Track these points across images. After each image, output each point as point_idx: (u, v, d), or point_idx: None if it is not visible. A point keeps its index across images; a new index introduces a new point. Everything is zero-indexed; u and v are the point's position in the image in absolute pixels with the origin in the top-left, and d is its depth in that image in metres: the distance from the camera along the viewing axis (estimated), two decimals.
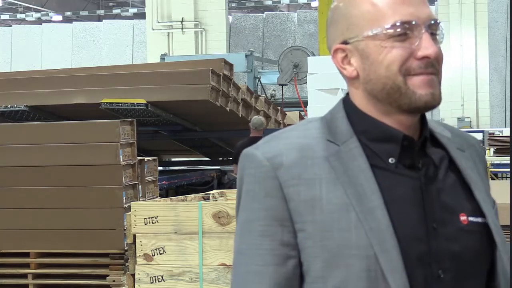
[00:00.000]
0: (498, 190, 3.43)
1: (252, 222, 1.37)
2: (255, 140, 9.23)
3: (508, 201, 2.91)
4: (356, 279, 1.31)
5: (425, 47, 1.34)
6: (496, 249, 1.38)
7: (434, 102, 1.36)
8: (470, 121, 21.24)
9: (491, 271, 1.40)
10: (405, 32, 1.35)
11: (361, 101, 1.41)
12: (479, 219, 1.39)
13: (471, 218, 1.38)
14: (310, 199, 1.34)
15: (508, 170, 11.23)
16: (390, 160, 1.37)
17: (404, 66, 1.35)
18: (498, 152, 10.54)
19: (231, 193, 5.65)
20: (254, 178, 1.38)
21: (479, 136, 14.31)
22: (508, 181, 9.38)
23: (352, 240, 1.31)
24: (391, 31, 1.35)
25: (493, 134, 14.52)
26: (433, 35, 1.37)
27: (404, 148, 1.38)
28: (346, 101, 1.44)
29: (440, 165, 1.40)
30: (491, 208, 1.42)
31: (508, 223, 2.98)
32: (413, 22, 1.35)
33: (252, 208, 1.38)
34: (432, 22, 1.37)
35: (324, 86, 9.47)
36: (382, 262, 1.30)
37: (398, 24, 1.35)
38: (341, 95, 9.65)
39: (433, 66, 1.35)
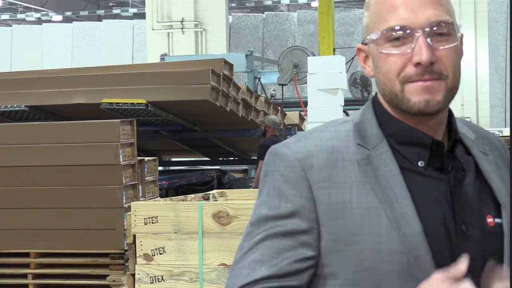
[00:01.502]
0: None
1: (275, 219, 1.35)
2: (276, 138, 9.26)
3: None
4: (388, 284, 1.31)
5: (418, 53, 1.33)
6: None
7: (427, 109, 1.34)
8: (470, 121, 21.20)
9: None
10: (399, 37, 1.34)
11: (383, 102, 1.42)
12: (501, 221, 1.39)
13: (497, 220, 1.38)
14: (341, 203, 1.33)
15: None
16: (419, 163, 1.37)
17: (402, 73, 1.34)
18: None
19: (231, 193, 5.66)
20: (283, 177, 1.36)
21: None
22: None
23: (384, 245, 1.31)
24: (385, 35, 1.35)
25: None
26: (439, 37, 1.34)
27: (434, 151, 1.37)
28: (375, 102, 1.43)
29: (468, 167, 1.40)
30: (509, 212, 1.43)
31: None
32: (408, 27, 1.34)
33: (278, 205, 1.35)
34: (434, 24, 1.34)
35: (324, 86, 9.46)
36: (414, 268, 1.30)
37: (392, 28, 1.34)
38: (341, 95, 9.66)
39: (433, 71, 1.33)
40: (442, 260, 1.32)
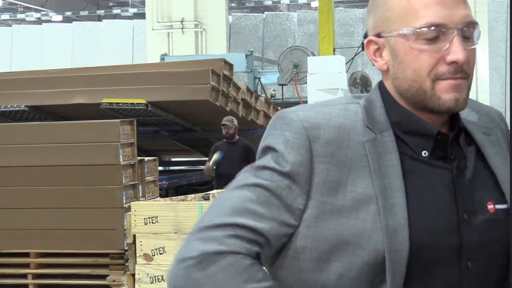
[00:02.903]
0: None
1: (268, 178, 1.34)
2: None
3: None
4: (359, 271, 1.31)
5: (455, 52, 1.33)
6: None
7: (456, 107, 1.35)
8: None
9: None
10: (436, 35, 1.33)
11: (391, 90, 1.41)
12: (504, 206, 1.39)
13: (497, 206, 1.38)
14: (336, 181, 1.33)
15: None
16: (423, 153, 1.37)
17: (433, 71, 1.34)
18: None
19: None
20: (286, 142, 1.35)
21: None
22: None
23: (366, 232, 1.31)
24: (421, 32, 1.33)
25: None
26: (466, 37, 1.35)
27: (438, 141, 1.38)
28: (382, 89, 1.43)
29: (469, 155, 1.40)
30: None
31: None
32: (445, 25, 1.33)
33: (273, 167, 1.34)
34: (466, 24, 1.34)
35: (324, 86, 9.47)
36: (387, 261, 1.29)
37: (429, 26, 1.33)
38: (341, 95, 9.66)
39: (462, 70, 1.34)
40: (444, 249, 1.32)
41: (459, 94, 1.35)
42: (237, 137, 8.78)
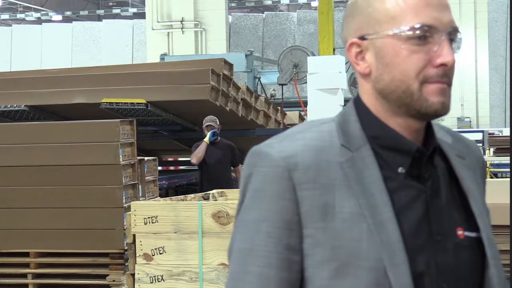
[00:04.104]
0: (499, 189, 3.44)
1: (258, 222, 1.32)
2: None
3: (508, 201, 2.91)
4: None
5: (445, 55, 1.32)
6: (487, 262, 1.38)
7: (443, 111, 1.34)
8: (470, 121, 21.25)
9: (481, 285, 1.39)
10: (425, 36, 1.32)
11: (369, 98, 1.38)
12: (473, 234, 1.38)
13: (466, 233, 1.37)
14: (323, 205, 1.31)
15: (508, 170, 11.23)
16: (399, 169, 1.35)
17: (422, 73, 1.32)
18: (498, 152, 10.56)
19: (231, 193, 5.65)
20: (266, 177, 1.33)
21: (478, 136, 14.33)
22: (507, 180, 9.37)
23: (362, 251, 1.29)
24: (411, 33, 1.32)
25: (492, 134, 14.53)
26: (451, 42, 1.34)
27: (415, 159, 1.36)
28: (357, 102, 1.40)
29: (443, 175, 1.39)
30: (486, 219, 1.41)
31: (507, 222, 2.97)
32: (436, 27, 1.32)
33: (260, 208, 1.33)
34: (454, 29, 1.34)
35: (324, 86, 9.47)
36: (391, 276, 1.28)
37: (420, 26, 1.32)
38: (341, 95, 9.67)
39: (447, 75, 1.33)
40: (418, 269, 1.31)
41: (445, 98, 1.33)
42: (219, 137, 8.75)
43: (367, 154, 1.34)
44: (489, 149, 11.67)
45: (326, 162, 1.32)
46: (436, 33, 1.32)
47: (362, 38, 1.36)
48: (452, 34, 1.34)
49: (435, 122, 1.45)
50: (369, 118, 1.37)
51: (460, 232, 1.36)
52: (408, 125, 1.36)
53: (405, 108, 1.35)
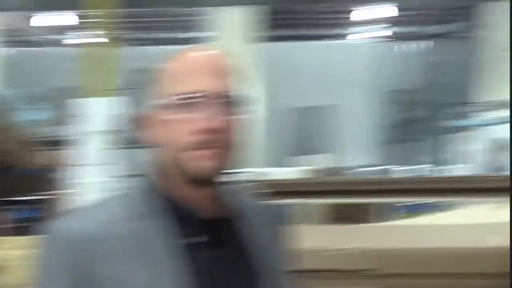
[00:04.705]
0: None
1: None
2: None
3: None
4: None
5: (208, 120, 1.33)
6: None
7: (206, 176, 1.35)
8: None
9: None
10: (190, 102, 1.33)
11: (155, 170, 1.40)
12: None
13: None
14: (114, 279, 1.32)
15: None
16: (191, 238, 1.36)
17: (187, 139, 1.33)
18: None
19: None
20: (53, 253, 1.34)
21: None
22: None
23: None
24: (177, 100, 1.34)
25: None
26: (225, 106, 1.34)
27: (205, 227, 1.38)
28: (147, 175, 1.42)
29: (235, 240, 1.42)
30: (278, 281, 1.46)
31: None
32: (200, 92, 1.34)
33: (47, 285, 1.34)
34: (223, 95, 1.34)
35: (91, 128, 9.32)
36: None
37: (184, 93, 1.34)
38: (110, 136, 9.51)
39: (217, 140, 1.33)
40: None
41: (211, 163, 1.33)
42: None
43: (154, 225, 1.35)
44: None
45: (116, 236, 1.33)
46: (202, 98, 1.34)
47: (147, 107, 1.39)
48: (222, 99, 1.34)
49: (235, 186, 1.48)
50: (154, 191, 1.40)
51: None
52: (190, 193, 1.38)
53: (178, 176, 1.37)
